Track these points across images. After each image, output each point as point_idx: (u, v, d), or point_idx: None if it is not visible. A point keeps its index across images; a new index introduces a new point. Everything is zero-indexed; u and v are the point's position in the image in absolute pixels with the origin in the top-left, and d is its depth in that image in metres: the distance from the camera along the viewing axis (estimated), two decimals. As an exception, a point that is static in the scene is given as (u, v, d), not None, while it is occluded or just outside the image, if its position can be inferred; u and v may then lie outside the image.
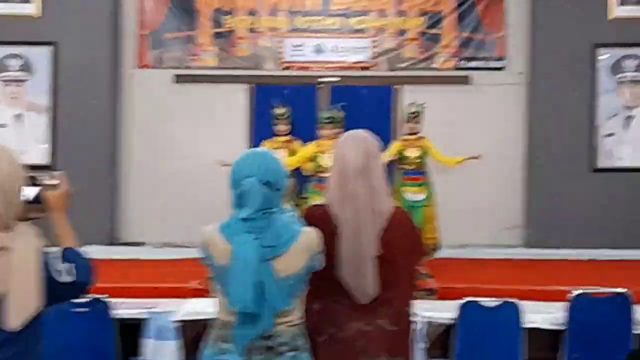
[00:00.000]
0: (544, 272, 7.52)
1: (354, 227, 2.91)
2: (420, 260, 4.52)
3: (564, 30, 9.05)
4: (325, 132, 6.97)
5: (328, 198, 3.00)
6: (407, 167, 7.36)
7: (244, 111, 9.10)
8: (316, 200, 5.96)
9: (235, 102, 9.21)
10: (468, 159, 7.67)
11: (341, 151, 3.02)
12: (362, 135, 3.11)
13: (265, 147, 6.95)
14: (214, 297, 2.96)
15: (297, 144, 7.49)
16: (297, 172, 7.26)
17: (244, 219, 2.81)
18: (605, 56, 9.05)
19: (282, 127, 7.64)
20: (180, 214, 9.10)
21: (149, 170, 9.35)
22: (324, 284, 2.99)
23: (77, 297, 2.46)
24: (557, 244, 8.87)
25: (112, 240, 9.09)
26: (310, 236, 2.80)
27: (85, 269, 2.40)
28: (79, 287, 2.39)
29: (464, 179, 9.00)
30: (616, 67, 9.21)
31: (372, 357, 3.06)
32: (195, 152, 9.02)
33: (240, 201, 2.87)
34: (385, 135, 6.91)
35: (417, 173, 7.35)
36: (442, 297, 6.28)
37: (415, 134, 7.42)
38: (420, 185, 7.28)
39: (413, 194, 7.26)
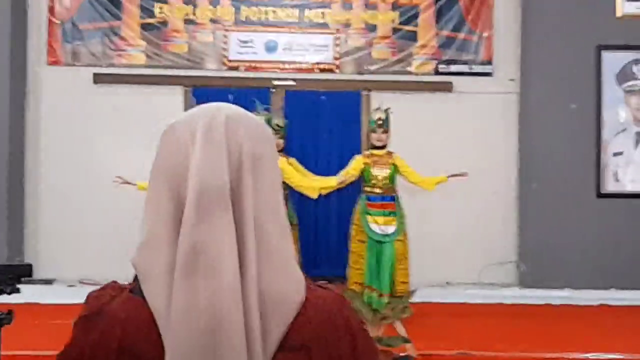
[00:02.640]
0: (543, 325, 6.97)
1: (205, 343, 1.25)
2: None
3: (563, 29, 8.70)
4: None
5: (141, 268, 1.35)
6: (372, 190, 6.76)
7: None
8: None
9: (168, 108, 8.46)
10: (450, 177, 6.95)
11: (177, 152, 1.35)
12: (235, 115, 1.37)
13: None
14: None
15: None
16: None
17: None
18: (611, 60, 8.71)
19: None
20: (100, 244, 8.59)
21: (61, 191, 8.79)
22: None
23: None
24: (557, 283, 8.53)
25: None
26: None
27: None
28: None
29: (445, 204, 8.60)
30: (624, 74, 8.77)
31: None
32: (118, 169, 7.93)
33: None
34: (349, 154, 7.30)
35: (386, 198, 6.75)
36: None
37: (382, 147, 6.85)
38: (389, 214, 6.68)
39: (380, 226, 6.66)
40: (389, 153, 6.88)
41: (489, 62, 9.06)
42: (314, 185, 6.44)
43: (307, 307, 1.33)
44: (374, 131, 6.90)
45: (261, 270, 1.28)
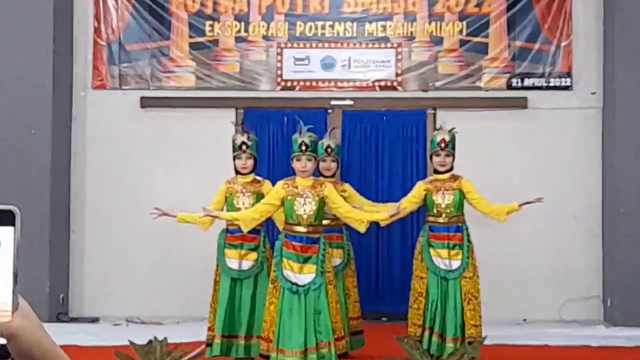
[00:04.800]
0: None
1: None
2: None
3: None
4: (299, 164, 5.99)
5: None
6: (435, 220, 6.49)
7: (230, 143, 8.04)
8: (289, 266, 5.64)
9: (219, 132, 8.39)
10: (524, 205, 6.61)
11: None
12: None
13: (221, 191, 6.39)
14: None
15: (267, 185, 6.50)
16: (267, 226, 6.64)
17: None
18: None
19: (243, 162, 6.47)
20: (148, 280, 8.65)
21: (107, 222, 8.80)
22: None
23: None
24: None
25: (57, 316, 8.43)
26: None
27: None
28: None
29: (519, 232, 8.37)
30: None
31: None
32: (168, 198, 8.15)
33: None
34: (413, 179, 7.58)
35: (451, 229, 6.50)
36: None
37: (447, 171, 6.57)
38: (454, 246, 6.41)
39: (445, 260, 6.41)
40: (455, 177, 6.59)
41: (568, 75, 8.82)
42: (362, 217, 5.92)
43: None
44: (437, 154, 6.63)
45: None
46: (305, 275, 5.72)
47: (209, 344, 6.08)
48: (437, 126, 7.63)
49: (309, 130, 6.10)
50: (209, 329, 6.16)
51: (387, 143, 8.65)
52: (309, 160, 5.83)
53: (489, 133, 8.59)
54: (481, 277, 7.03)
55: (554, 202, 7.82)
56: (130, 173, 8.77)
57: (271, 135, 8.56)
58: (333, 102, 8.71)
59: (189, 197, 8.06)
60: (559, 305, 8.59)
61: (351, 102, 8.76)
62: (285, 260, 5.65)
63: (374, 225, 7.32)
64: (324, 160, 6.66)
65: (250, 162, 6.40)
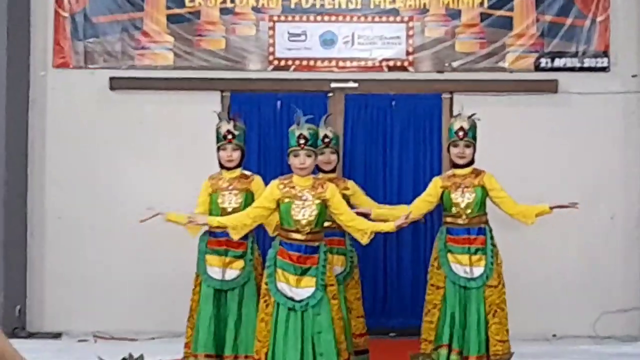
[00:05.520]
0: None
1: None
2: None
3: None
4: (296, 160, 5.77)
5: None
6: (454, 221, 6.33)
7: (214, 132, 7.71)
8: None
9: (202, 118, 8.05)
10: (555, 208, 6.39)
11: None
12: None
13: (204, 189, 6.22)
14: None
15: (257, 181, 6.35)
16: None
17: None
18: None
19: (229, 154, 6.29)
20: (119, 290, 8.43)
21: (71, 224, 8.55)
22: None
23: None
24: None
25: (13, 330, 8.30)
26: None
27: None
28: None
29: (548, 238, 8.21)
30: None
31: None
32: (142, 195, 8.14)
33: None
34: (427, 173, 7.70)
35: (472, 231, 6.34)
36: None
37: (467, 165, 6.37)
38: (477, 251, 6.24)
39: (465, 267, 6.25)
40: (476, 172, 6.41)
41: (605, 54, 8.49)
42: (365, 227, 5.56)
43: None
44: (454, 145, 6.41)
45: None
46: (302, 290, 5.45)
47: None
48: (455, 112, 7.55)
49: (307, 121, 5.79)
50: (186, 345, 5.98)
51: (396, 132, 8.35)
52: (309, 156, 5.58)
53: (513, 121, 8.37)
54: (506, 286, 6.86)
55: (588, 201, 7.54)
56: (97, 166, 8.53)
57: (262, 123, 8.24)
58: (334, 85, 8.45)
59: (166, 193, 8.05)
60: (594, 319, 8.34)
61: (355, 85, 8.49)
62: (280, 271, 5.30)
63: (381, 234, 7.35)
64: (322, 153, 6.47)
65: (237, 154, 6.24)
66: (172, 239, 7.95)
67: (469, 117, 6.46)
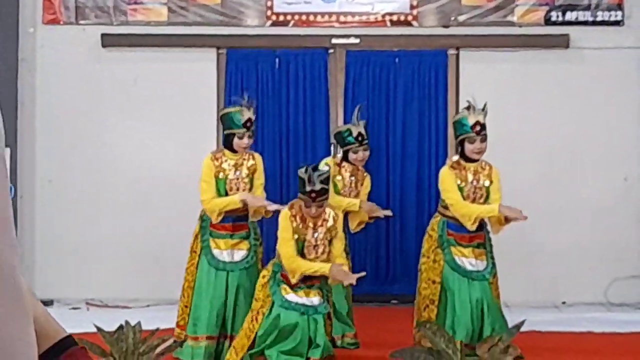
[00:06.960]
0: None
1: None
2: None
3: None
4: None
5: None
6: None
7: (210, 91, 8.38)
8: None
9: (197, 76, 8.40)
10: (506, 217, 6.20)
11: None
12: None
13: (208, 168, 6.21)
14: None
15: (259, 160, 6.43)
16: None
17: None
18: None
19: (246, 143, 6.25)
20: (112, 256, 8.37)
21: (62, 187, 8.51)
22: None
23: None
24: None
25: None
26: None
27: None
28: None
29: (558, 200, 8.18)
30: None
31: None
32: (136, 157, 8.28)
33: None
34: (432, 136, 7.84)
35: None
36: None
37: (476, 160, 6.26)
38: (479, 245, 6.12)
39: (471, 259, 6.14)
40: (487, 166, 6.29)
41: (619, 7, 8.38)
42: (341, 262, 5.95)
43: None
44: (471, 141, 6.20)
45: None
46: (308, 299, 5.80)
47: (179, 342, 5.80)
48: (463, 70, 7.62)
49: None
50: (180, 326, 5.97)
51: (400, 90, 8.26)
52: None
53: (522, 77, 8.26)
54: (514, 252, 7.16)
55: (600, 162, 7.72)
56: (89, 127, 8.41)
57: (260, 81, 8.15)
58: (334, 41, 8.40)
59: (160, 156, 8.13)
60: (605, 286, 8.29)
61: (357, 41, 8.44)
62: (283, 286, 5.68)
63: (384, 198, 7.52)
64: (355, 152, 6.60)
65: (251, 141, 6.34)
66: (165, 203, 8.06)
67: (482, 108, 6.26)
